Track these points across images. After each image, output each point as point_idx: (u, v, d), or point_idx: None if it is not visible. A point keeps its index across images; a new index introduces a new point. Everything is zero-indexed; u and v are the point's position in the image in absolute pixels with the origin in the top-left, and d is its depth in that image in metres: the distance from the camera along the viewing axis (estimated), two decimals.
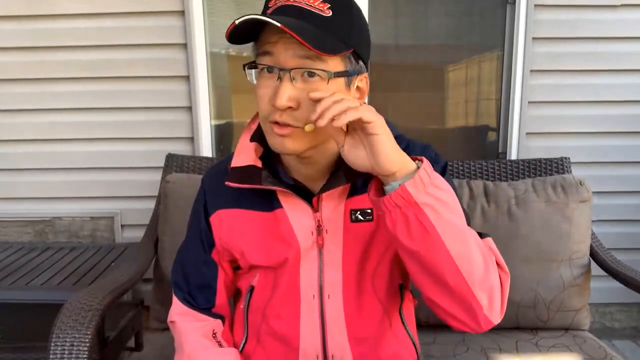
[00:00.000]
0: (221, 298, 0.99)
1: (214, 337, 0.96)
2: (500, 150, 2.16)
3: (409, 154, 0.77)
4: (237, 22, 0.73)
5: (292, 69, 0.76)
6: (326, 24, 0.76)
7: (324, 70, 0.77)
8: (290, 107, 0.77)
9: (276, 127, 0.79)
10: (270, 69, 0.79)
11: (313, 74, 0.77)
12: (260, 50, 0.79)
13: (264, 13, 0.79)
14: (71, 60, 2.02)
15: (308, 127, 0.78)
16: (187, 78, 2.02)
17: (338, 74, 0.78)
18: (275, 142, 0.81)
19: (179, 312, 0.98)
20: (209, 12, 2.04)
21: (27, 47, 2.02)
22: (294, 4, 0.76)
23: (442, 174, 0.90)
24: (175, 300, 0.99)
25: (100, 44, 2.00)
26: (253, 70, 0.82)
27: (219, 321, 0.98)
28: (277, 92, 0.76)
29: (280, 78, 0.77)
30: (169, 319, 1.00)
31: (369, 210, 0.89)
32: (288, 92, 0.76)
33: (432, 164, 0.78)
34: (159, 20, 1.99)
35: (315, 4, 0.76)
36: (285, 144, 0.80)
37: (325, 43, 0.75)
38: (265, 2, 0.82)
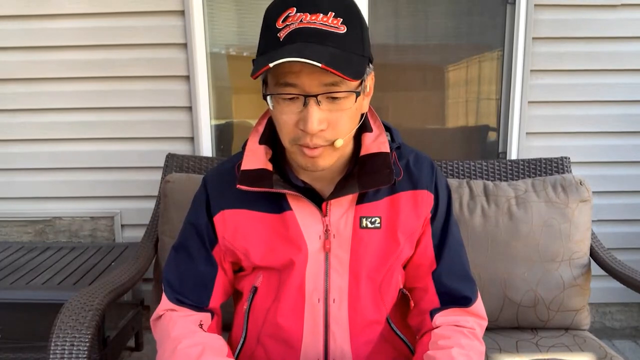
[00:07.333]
0: (215, 301, 0.96)
1: (200, 326, 0.93)
2: (500, 150, 2.16)
3: (418, 164, 0.91)
4: (271, 65, 0.72)
5: (319, 94, 0.76)
6: (344, 42, 0.76)
7: (350, 91, 0.78)
8: (320, 130, 0.79)
9: (307, 150, 0.81)
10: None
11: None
12: (280, 81, 0.78)
13: (274, 35, 0.76)
14: (71, 60, 2.02)
15: (339, 142, 0.81)
16: (187, 78, 2.02)
17: (360, 88, 0.80)
18: (307, 163, 0.84)
19: (167, 308, 0.94)
20: (209, 12, 2.04)
21: (27, 46, 2.02)
22: (309, 25, 0.75)
23: (448, 202, 0.97)
24: (163, 298, 0.95)
25: (100, 43, 2.00)
26: (270, 97, 0.81)
27: (207, 314, 0.96)
28: (306, 117, 0.77)
29: (306, 104, 0.77)
30: (154, 316, 0.96)
31: (377, 218, 0.90)
32: (318, 116, 0.77)
33: (443, 195, 0.94)
34: (159, 20, 1.99)
35: (329, 21, 0.75)
36: (317, 163, 0.83)
37: (354, 66, 0.76)
38: (270, 22, 0.78)
